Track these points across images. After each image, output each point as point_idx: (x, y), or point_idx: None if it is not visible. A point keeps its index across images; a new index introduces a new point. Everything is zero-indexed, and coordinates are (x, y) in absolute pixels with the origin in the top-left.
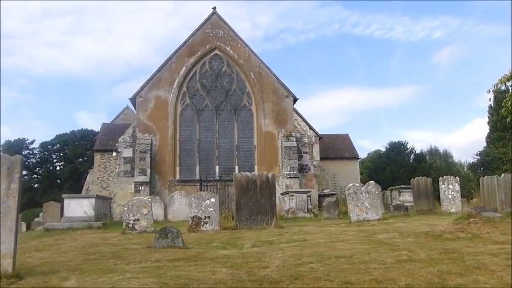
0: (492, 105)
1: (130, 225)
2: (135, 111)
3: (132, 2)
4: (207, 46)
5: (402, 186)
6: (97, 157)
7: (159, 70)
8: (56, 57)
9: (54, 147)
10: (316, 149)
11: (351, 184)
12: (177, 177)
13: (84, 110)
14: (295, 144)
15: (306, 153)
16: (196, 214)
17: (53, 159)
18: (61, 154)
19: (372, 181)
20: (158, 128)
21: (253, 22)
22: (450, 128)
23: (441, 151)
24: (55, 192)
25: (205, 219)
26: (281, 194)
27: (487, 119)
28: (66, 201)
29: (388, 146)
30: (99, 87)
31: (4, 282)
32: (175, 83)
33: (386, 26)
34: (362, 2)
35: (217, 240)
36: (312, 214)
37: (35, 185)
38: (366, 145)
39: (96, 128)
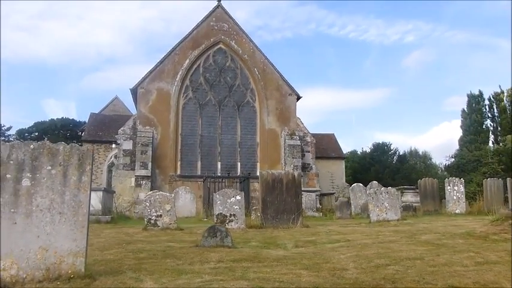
0: (466, 109)
1: (152, 221)
2: (135, 103)
3: None
4: (211, 39)
5: (405, 186)
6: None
7: (161, 61)
8: (25, 41)
9: (32, 135)
10: None
11: (373, 183)
12: (178, 172)
13: (53, 97)
14: (299, 142)
15: (308, 152)
16: (221, 212)
17: None
18: (39, 143)
19: (375, 181)
20: (160, 120)
21: (236, 17)
22: (418, 130)
23: (420, 153)
24: None
25: (230, 217)
26: None
27: (453, 123)
28: None
29: (372, 147)
30: (68, 75)
31: (79, 283)
32: (179, 76)
33: (361, 28)
34: (338, 3)
35: (254, 240)
36: (321, 213)
37: None
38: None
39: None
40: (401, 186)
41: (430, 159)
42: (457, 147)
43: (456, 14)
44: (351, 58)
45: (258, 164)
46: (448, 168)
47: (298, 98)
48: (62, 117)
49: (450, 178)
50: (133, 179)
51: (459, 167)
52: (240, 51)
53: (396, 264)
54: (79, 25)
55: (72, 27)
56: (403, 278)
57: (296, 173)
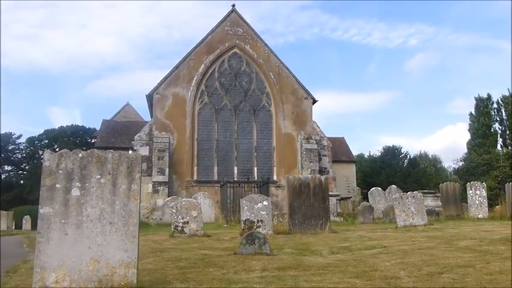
0: (474, 112)
1: (179, 228)
2: (151, 109)
3: None
4: (226, 44)
5: (425, 191)
6: None
7: (177, 67)
8: (27, 50)
9: (42, 143)
10: None
11: (392, 187)
12: (195, 177)
13: (58, 105)
14: (315, 146)
15: (325, 155)
16: (248, 217)
17: (41, 155)
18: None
19: (394, 186)
20: (175, 126)
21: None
22: (422, 133)
23: (430, 156)
24: None
25: (258, 223)
26: None
27: (458, 126)
28: None
29: (382, 150)
30: (71, 83)
31: None
32: (194, 81)
33: (364, 32)
34: (341, 7)
35: (286, 246)
36: (343, 218)
37: (21, 182)
38: None
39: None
40: (420, 191)
41: (440, 162)
42: (463, 150)
43: (459, 17)
44: (354, 62)
45: (275, 169)
46: (457, 172)
47: (314, 101)
48: (72, 125)
49: (472, 182)
50: (150, 185)
51: (468, 171)
52: (255, 56)
53: (449, 272)
54: (80, 33)
55: (73, 35)
56: (463, 287)
57: (323, 177)
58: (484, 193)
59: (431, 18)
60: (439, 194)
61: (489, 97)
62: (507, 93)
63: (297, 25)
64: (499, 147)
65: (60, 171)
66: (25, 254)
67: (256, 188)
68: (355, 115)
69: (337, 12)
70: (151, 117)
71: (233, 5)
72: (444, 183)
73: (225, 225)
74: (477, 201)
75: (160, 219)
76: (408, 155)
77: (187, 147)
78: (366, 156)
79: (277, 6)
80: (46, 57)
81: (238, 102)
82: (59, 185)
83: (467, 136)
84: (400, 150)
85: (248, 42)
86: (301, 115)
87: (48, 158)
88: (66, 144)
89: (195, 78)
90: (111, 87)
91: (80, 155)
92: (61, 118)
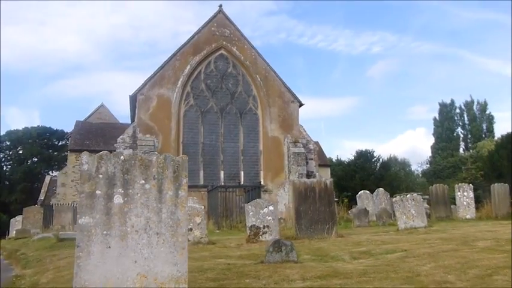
0: (437, 117)
1: None
2: (135, 110)
3: None
4: (213, 45)
5: (412, 193)
6: (72, 157)
7: (162, 67)
8: None
9: (3, 145)
10: None
11: (379, 189)
12: None
13: (15, 105)
14: (303, 150)
15: (312, 159)
16: (254, 223)
17: (1, 158)
18: (10, 153)
19: (381, 188)
20: (160, 128)
21: (199, 24)
22: (385, 138)
23: (399, 160)
24: (4, 195)
25: (264, 228)
26: None
27: (418, 131)
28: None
29: (355, 154)
30: (31, 82)
31: None
32: (179, 82)
33: (330, 38)
34: (308, 13)
35: (302, 252)
36: None
37: None
38: None
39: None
40: (404, 194)
41: (409, 166)
42: (424, 153)
43: (421, 26)
44: (320, 67)
45: (262, 173)
46: (425, 174)
47: (301, 105)
48: (38, 126)
49: (460, 184)
50: None
51: (435, 173)
52: (242, 58)
53: (497, 274)
54: (41, 31)
55: (33, 32)
56: None
57: (328, 181)
58: (472, 194)
59: (395, 27)
60: (426, 196)
61: (452, 103)
62: (469, 99)
63: (264, 30)
64: (461, 150)
65: (101, 176)
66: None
67: (245, 193)
68: (320, 120)
69: (304, 18)
70: (133, 119)
71: (220, 6)
72: (434, 185)
73: (217, 231)
74: (465, 202)
75: None
76: (380, 159)
77: (173, 150)
78: (334, 160)
79: (245, 11)
80: (3, 55)
81: (224, 104)
82: (100, 192)
83: (427, 140)
84: (373, 154)
85: (235, 44)
86: (288, 118)
87: (86, 160)
88: (31, 147)
89: (181, 79)
90: (75, 87)
91: (122, 157)
92: (20, 118)
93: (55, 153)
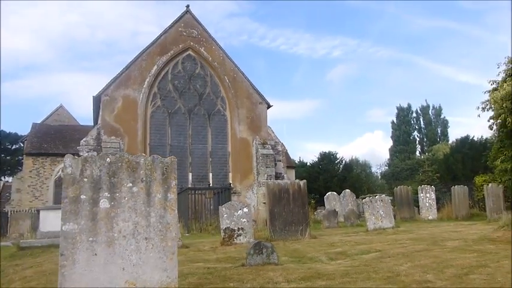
0: (395, 121)
1: None
2: (100, 111)
3: None
4: (180, 46)
5: (375, 195)
6: (28, 162)
7: (127, 67)
8: None
9: None
10: None
11: (346, 191)
12: None
13: None
14: (271, 151)
15: (280, 161)
16: (228, 226)
17: None
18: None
19: (348, 190)
20: (126, 130)
21: (159, 24)
22: (344, 141)
23: (360, 161)
24: None
25: (238, 231)
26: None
27: (376, 134)
28: (42, 214)
29: (319, 156)
30: None
31: None
32: (146, 83)
33: (291, 42)
34: (269, 16)
35: (279, 254)
36: None
37: None
38: None
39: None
40: (373, 194)
41: (370, 167)
42: (383, 156)
43: (380, 32)
44: (281, 70)
45: (230, 174)
46: (384, 176)
47: (269, 106)
48: None
49: (423, 186)
50: None
51: (394, 175)
52: (210, 59)
53: (473, 273)
54: None
55: None
56: (501, 287)
57: (302, 183)
58: (433, 196)
59: (355, 32)
60: (390, 197)
61: (409, 107)
62: (425, 104)
63: (226, 31)
64: (417, 153)
65: (85, 180)
66: None
67: (214, 195)
68: (283, 122)
69: (265, 21)
70: (96, 121)
71: (187, 6)
72: (398, 187)
73: (187, 234)
74: (427, 204)
75: None
76: (344, 160)
77: (139, 152)
78: (296, 162)
79: (207, 12)
80: None
81: (192, 106)
82: (84, 196)
83: (385, 143)
84: (336, 156)
85: (203, 44)
86: (257, 120)
87: (70, 163)
88: None
89: (147, 79)
90: (29, 88)
91: (108, 159)
92: None
93: (8, 157)
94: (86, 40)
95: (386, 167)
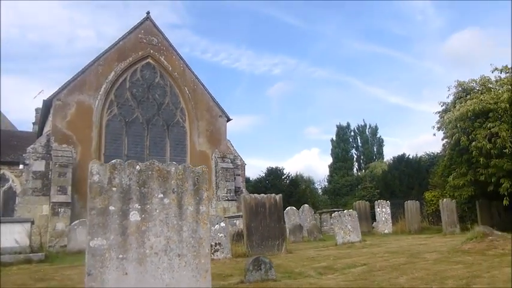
0: (334, 138)
1: None
2: (49, 116)
3: None
4: (140, 53)
5: (334, 209)
6: None
7: (83, 71)
8: None
9: None
10: None
11: (305, 206)
12: None
13: None
14: (231, 165)
15: (239, 175)
16: None
17: None
18: (146, 162)
19: (306, 205)
20: (79, 138)
21: (97, 31)
22: (283, 157)
23: (305, 177)
24: None
25: (215, 246)
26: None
27: (313, 151)
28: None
29: (266, 172)
30: None
31: None
32: (102, 89)
33: (233, 57)
34: (212, 31)
35: None
36: None
37: None
38: None
39: None
40: (331, 209)
41: (313, 183)
42: (320, 173)
43: (319, 53)
44: (223, 84)
45: None
46: (326, 192)
47: (228, 120)
48: None
49: (379, 201)
50: (46, 206)
51: (335, 191)
52: (170, 68)
53: (473, 284)
54: None
55: None
56: None
57: (278, 197)
58: (389, 210)
59: (295, 51)
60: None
61: (348, 125)
62: (362, 123)
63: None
64: (355, 170)
65: (114, 189)
66: None
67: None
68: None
69: (207, 35)
70: (41, 127)
71: (148, 12)
72: (357, 201)
73: None
74: (383, 218)
75: (65, 246)
76: (290, 176)
77: None
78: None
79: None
80: None
81: (151, 115)
82: (113, 208)
83: (321, 160)
84: (283, 171)
85: (163, 53)
86: (216, 133)
87: (97, 170)
88: None
89: (104, 86)
90: None
91: (138, 167)
92: None
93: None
94: (15, 40)
95: (327, 183)
